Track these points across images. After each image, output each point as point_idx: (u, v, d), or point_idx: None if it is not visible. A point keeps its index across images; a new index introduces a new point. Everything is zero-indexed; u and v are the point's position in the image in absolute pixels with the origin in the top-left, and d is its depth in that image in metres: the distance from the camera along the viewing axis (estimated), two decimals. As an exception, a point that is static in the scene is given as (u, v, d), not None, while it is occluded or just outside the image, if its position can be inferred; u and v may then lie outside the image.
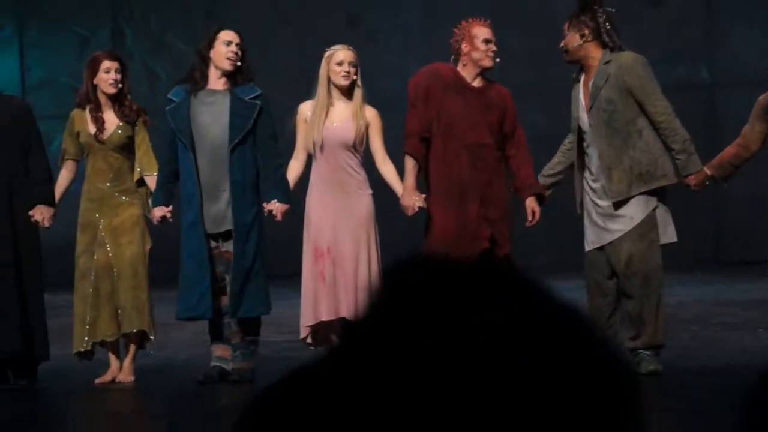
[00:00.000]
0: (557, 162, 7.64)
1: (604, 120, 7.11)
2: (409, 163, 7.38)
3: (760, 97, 7.46)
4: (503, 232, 7.40)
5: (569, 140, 7.53)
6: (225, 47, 7.49)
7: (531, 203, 7.35)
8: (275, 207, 7.48)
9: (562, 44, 7.37)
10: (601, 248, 7.24)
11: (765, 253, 7.64)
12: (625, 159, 7.14)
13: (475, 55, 7.26)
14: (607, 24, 7.23)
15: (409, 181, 7.41)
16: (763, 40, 13.03)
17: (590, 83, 7.21)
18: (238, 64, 7.57)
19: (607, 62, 7.17)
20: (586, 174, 7.36)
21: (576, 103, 7.35)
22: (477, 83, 7.40)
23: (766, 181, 7.43)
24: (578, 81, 7.30)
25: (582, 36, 7.18)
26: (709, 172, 7.31)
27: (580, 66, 7.30)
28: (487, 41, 7.34)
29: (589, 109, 7.20)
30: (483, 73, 7.44)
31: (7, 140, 7.83)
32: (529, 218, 7.41)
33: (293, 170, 7.78)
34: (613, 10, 7.43)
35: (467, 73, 7.35)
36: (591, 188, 7.37)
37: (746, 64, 13.01)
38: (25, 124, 7.95)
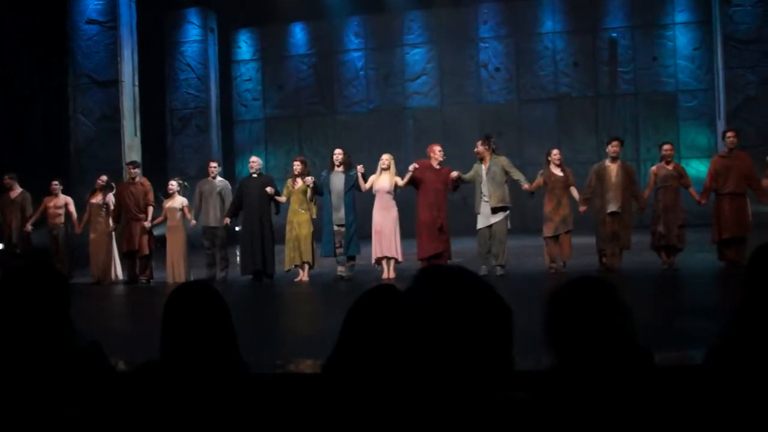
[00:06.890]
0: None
1: None
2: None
3: None
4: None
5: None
6: (333, 156, 11.93)
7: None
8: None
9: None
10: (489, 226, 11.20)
11: None
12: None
13: (432, 155, 11.56)
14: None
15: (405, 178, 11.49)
16: None
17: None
18: (341, 162, 11.89)
19: None
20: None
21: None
22: (436, 166, 11.58)
23: None
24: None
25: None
26: None
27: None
28: (439, 150, 11.62)
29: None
30: (441, 162, 11.55)
31: (262, 195, 12.52)
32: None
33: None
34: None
35: (431, 163, 11.65)
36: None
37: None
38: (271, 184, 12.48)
